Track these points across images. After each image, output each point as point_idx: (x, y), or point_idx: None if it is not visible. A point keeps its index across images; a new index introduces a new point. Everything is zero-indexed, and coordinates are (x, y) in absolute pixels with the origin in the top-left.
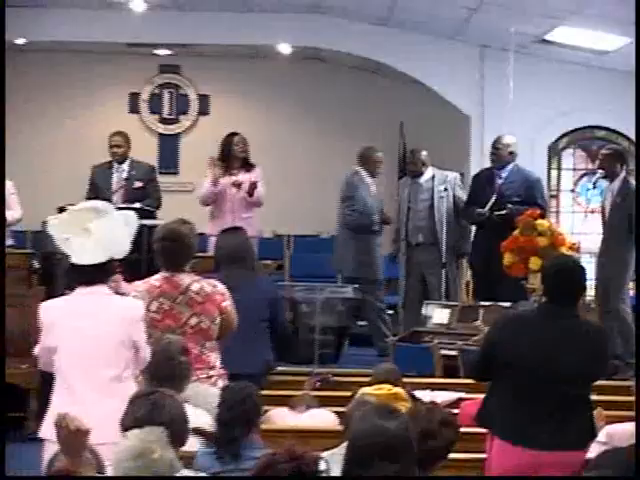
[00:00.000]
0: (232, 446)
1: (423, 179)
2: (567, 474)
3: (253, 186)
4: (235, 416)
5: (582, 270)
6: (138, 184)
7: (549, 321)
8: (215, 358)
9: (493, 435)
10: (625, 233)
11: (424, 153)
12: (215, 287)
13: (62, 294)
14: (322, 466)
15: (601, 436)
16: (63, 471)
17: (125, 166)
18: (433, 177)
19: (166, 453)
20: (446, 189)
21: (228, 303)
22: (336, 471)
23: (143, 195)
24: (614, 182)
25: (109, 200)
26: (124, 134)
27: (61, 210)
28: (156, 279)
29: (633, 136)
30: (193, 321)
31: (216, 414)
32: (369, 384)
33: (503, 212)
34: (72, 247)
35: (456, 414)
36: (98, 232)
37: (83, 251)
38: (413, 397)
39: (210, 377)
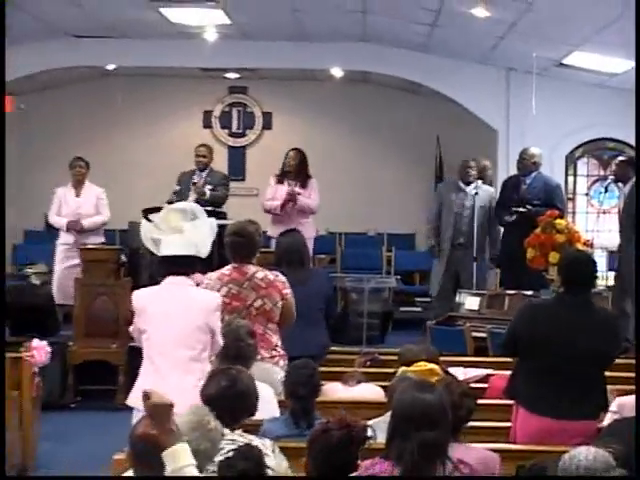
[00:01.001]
0: (308, 416)
1: (469, 189)
2: (580, 441)
3: (293, 195)
4: (308, 392)
5: (593, 262)
6: (208, 187)
7: (565, 307)
8: (277, 340)
9: (518, 406)
10: (631, 229)
11: (481, 164)
12: (277, 276)
13: (145, 285)
14: (369, 433)
15: (613, 406)
16: (143, 435)
17: (204, 174)
18: (477, 190)
19: (217, 425)
20: (490, 201)
21: (288, 292)
22: (381, 437)
23: (213, 196)
24: (626, 186)
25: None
26: (208, 146)
27: (146, 212)
28: (227, 269)
29: None
30: (257, 303)
31: (290, 390)
32: (404, 364)
33: (522, 210)
34: (164, 242)
35: (484, 388)
36: (188, 231)
37: (174, 245)
38: (447, 373)
39: (273, 357)
